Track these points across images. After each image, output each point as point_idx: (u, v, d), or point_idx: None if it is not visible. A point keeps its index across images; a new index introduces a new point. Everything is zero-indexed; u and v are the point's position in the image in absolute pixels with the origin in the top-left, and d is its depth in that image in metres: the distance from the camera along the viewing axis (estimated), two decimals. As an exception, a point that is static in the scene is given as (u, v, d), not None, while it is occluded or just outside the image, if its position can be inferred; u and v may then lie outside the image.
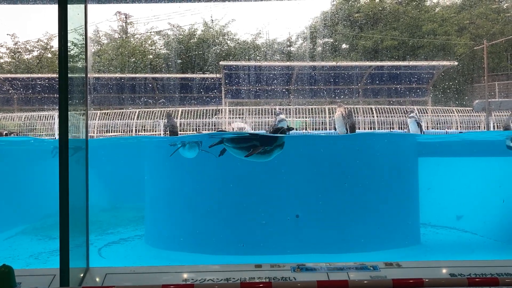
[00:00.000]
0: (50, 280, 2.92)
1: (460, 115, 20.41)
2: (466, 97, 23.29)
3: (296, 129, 18.77)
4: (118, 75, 23.57)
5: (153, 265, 3.29)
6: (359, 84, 22.27)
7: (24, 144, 10.97)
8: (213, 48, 27.50)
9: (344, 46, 29.51)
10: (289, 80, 21.99)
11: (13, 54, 26.86)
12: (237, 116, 20.49)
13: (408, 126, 13.08)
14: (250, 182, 6.66)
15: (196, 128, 19.95)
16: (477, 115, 20.41)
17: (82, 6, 3.11)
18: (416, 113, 8.73)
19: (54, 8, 2.77)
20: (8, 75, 23.73)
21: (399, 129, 19.07)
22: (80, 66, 3.09)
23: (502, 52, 26.70)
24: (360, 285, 2.88)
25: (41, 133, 19.34)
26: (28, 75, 22.87)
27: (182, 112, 20.48)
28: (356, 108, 20.63)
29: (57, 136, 2.88)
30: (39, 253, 7.11)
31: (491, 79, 23.98)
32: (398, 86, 22.35)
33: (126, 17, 30.23)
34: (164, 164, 7.43)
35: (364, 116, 20.14)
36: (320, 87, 22.12)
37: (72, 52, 2.79)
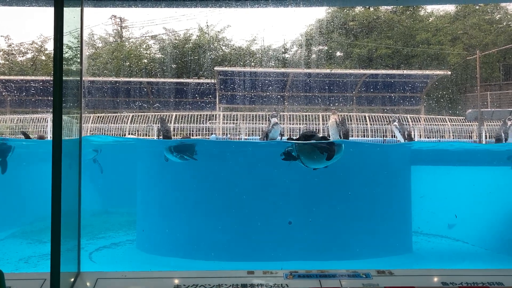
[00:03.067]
0: (40, 284, 2.89)
1: (453, 124, 20.57)
2: (459, 107, 23.49)
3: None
4: (112, 78, 23.49)
5: (144, 270, 3.26)
6: (353, 92, 22.38)
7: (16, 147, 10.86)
8: (208, 54, 27.54)
9: (338, 53, 29.70)
10: (284, 86, 22.04)
11: (6, 56, 26.72)
12: (231, 121, 20.51)
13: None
14: (243, 187, 6.65)
15: (189, 133, 19.92)
16: (469, 125, 20.58)
17: (78, 9, 3.10)
18: (398, 121, 8.74)
19: (49, 11, 2.75)
20: (2, 77, 23.57)
21: (392, 137, 19.17)
22: (74, 69, 3.08)
23: (495, 62, 27.03)
24: (352, 293, 2.88)
25: (34, 136, 19.19)
26: (22, 77, 22.72)
27: (176, 116, 20.44)
28: (350, 115, 20.74)
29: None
30: (29, 257, 7.04)
31: (483, 89, 24.22)
32: (392, 95, 22.48)
33: (121, 21, 30.24)
34: (156, 169, 7.40)
35: (358, 124, 20.24)
36: (315, 94, 22.20)
37: (67, 55, 2.78)
